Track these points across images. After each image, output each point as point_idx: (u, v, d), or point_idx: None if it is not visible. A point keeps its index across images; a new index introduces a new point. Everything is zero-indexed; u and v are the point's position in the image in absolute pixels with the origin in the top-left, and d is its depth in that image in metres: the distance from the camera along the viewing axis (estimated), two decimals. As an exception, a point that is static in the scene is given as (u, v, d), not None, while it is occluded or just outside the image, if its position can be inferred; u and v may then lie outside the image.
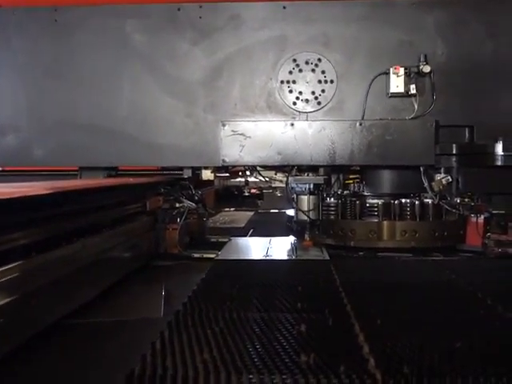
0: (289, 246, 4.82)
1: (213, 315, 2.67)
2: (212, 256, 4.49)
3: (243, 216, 8.22)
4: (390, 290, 3.26)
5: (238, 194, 9.68)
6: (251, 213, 8.67)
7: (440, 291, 3.25)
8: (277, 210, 8.79)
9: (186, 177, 4.86)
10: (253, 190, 10.13)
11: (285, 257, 4.46)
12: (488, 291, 3.11)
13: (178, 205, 4.78)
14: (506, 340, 2.34)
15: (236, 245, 5.17)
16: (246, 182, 8.75)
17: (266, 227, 6.45)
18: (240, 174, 8.37)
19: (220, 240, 5.33)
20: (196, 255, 4.59)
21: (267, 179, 5.31)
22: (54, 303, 2.63)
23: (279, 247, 4.88)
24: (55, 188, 2.55)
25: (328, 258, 4.29)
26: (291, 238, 5.14)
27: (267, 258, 4.41)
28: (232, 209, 9.13)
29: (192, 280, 3.54)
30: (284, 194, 8.96)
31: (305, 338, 2.33)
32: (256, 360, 2.06)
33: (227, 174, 6.69)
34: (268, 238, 5.33)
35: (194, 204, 4.86)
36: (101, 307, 3.00)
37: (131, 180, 4.39)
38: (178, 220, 4.65)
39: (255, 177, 5.30)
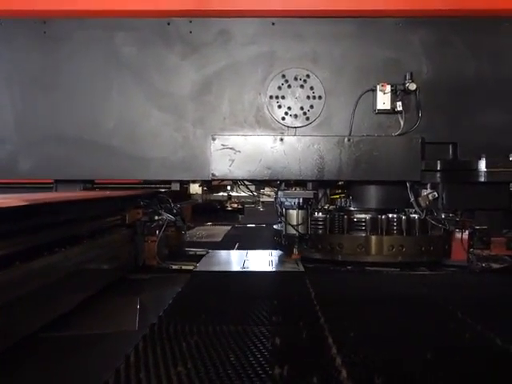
0: (265, 259, 5.01)
1: (188, 328, 2.67)
2: (190, 268, 4.58)
3: (220, 230, 8.17)
4: (365, 303, 3.32)
5: (221, 208, 9.68)
6: (227, 227, 8.64)
7: (414, 305, 3.29)
8: (253, 225, 8.84)
9: (162, 190, 4.97)
10: (233, 205, 10.13)
11: (261, 269, 4.61)
12: (462, 306, 3.18)
13: (156, 217, 4.80)
14: (473, 354, 2.37)
15: (213, 257, 5.29)
16: (229, 197, 8.75)
17: (246, 242, 6.46)
18: (223, 187, 8.40)
19: (198, 253, 5.44)
20: (174, 267, 4.64)
21: (255, 194, 5.33)
22: (33, 314, 2.62)
23: (256, 260, 5.07)
24: (35, 200, 2.57)
25: (303, 270, 4.42)
26: (267, 251, 5.40)
27: (243, 269, 4.56)
28: (209, 223, 9.09)
29: (169, 293, 3.54)
30: (266, 209, 9.09)
31: (279, 350, 2.35)
32: (230, 372, 2.07)
33: (205, 189, 6.69)
34: (245, 251, 5.53)
35: (172, 217, 4.89)
36: (78, 320, 2.95)
37: (111, 193, 4.42)
38: (157, 232, 4.69)
39: (243, 191, 5.30)
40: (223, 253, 5.59)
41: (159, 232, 4.68)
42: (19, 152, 4.66)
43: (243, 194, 5.50)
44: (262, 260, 5.05)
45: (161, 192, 5.05)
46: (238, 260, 5.09)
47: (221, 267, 4.73)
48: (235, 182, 5.23)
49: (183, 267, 4.63)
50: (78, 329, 2.81)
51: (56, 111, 4.67)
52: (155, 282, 4.16)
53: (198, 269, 4.56)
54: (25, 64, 4.68)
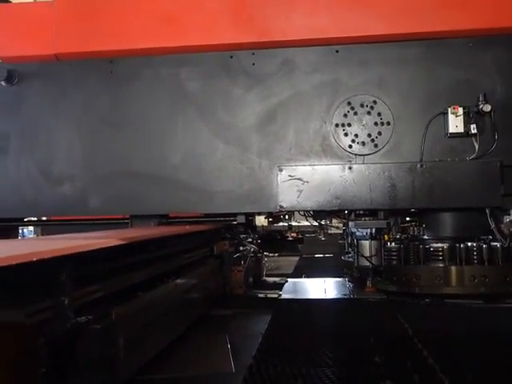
0: (343, 287, 5.14)
1: (290, 370, 2.55)
2: (275, 296, 4.87)
3: (288, 262, 7.98)
4: (468, 340, 3.09)
5: (281, 238, 9.55)
6: (295, 258, 8.47)
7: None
8: (321, 255, 8.66)
9: (235, 223, 4.87)
10: (293, 234, 10.00)
11: (345, 298, 4.70)
12: None
13: (241, 248, 5.11)
14: None
15: (294, 285, 5.56)
16: (289, 226, 8.63)
17: (315, 274, 6.30)
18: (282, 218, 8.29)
19: (277, 281, 5.68)
20: (260, 295, 4.90)
21: (323, 224, 5.21)
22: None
23: (334, 288, 5.22)
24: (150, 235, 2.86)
25: (391, 303, 4.31)
26: (343, 280, 5.50)
27: (327, 298, 4.73)
28: (272, 254, 8.94)
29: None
30: (327, 238, 8.90)
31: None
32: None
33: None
34: (322, 279, 5.71)
35: (256, 247, 5.18)
36: (168, 359, 2.87)
37: (200, 227, 4.51)
38: (242, 262, 4.94)
39: (310, 222, 5.18)
40: (302, 281, 5.86)
41: (245, 262, 4.92)
42: (88, 189, 4.71)
43: (303, 223, 5.52)
44: (341, 289, 5.15)
45: (235, 225, 5.14)
46: (317, 288, 5.29)
47: (303, 296, 4.97)
48: (298, 213, 5.17)
49: (268, 295, 4.90)
50: (170, 370, 2.74)
51: (124, 147, 4.72)
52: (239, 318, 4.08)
53: (282, 297, 4.85)
54: (93, 103, 4.78)
